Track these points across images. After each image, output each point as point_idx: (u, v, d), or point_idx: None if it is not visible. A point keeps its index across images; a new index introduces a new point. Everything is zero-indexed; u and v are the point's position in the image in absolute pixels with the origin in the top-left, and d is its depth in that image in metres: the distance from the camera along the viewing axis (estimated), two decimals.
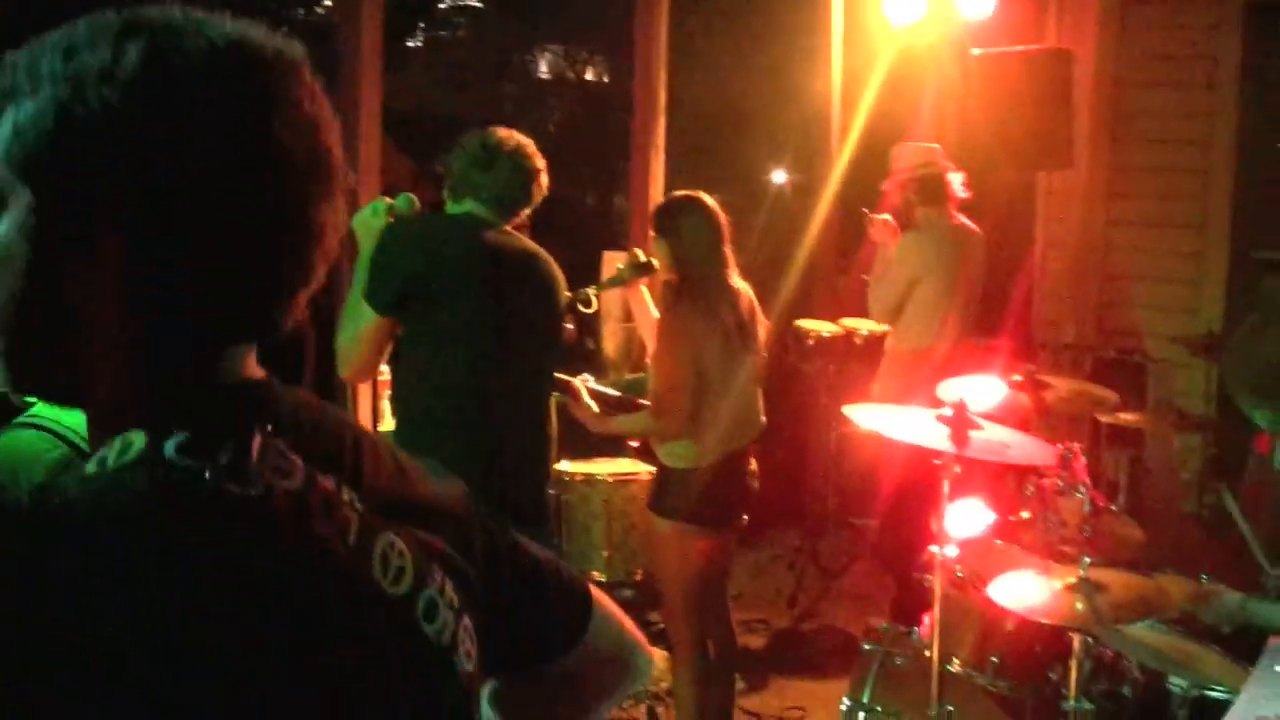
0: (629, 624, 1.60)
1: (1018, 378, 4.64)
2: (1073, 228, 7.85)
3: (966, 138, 7.33)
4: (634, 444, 5.48)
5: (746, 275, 4.78)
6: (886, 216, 6.14)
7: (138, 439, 1.07)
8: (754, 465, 4.77)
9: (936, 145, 6.19)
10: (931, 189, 6.01)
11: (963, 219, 6.09)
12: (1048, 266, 8.04)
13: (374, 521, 1.20)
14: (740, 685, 5.78)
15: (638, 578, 5.50)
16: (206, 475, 1.06)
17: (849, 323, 6.76)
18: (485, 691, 1.49)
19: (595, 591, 1.54)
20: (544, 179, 4.07)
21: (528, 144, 4.05)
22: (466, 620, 1.28)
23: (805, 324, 6.80)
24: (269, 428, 1.13)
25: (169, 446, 1.06)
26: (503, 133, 4.03)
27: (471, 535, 1.37)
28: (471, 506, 1.41)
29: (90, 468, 1.07)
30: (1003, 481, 4.76)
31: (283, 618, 1.07)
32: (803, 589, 6.99)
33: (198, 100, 1.07)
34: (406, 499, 1.29)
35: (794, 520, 7.60)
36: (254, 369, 1.21)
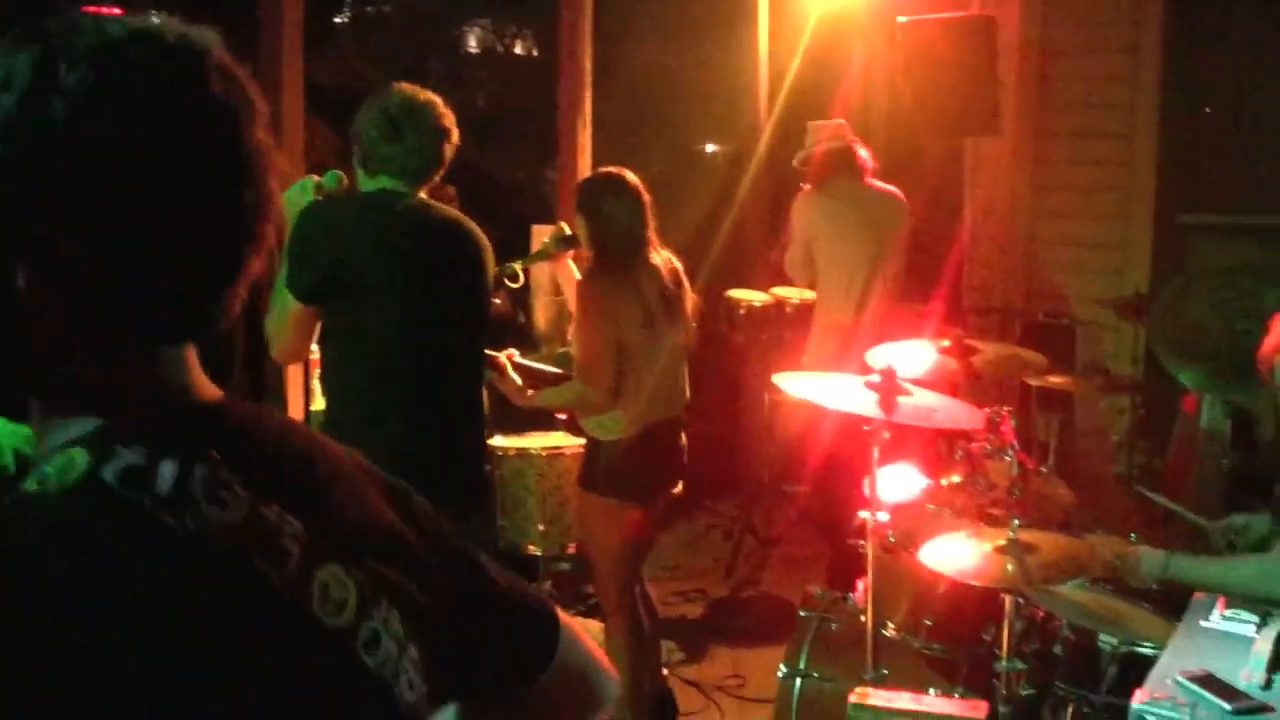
0: (596, 649, 1.58)
1: (946, 343, 4.67)
2: (1000, 193, 7.90)
3: (893, 106, 7.38)
4: (562, 417, 5.48)
5: (677, 247, 4.79)
6: None
7: (80, 459, 1.06)
8: (683, 438, 4.79)
9: (842, 120, 6.24)
10: (836, 162, 6.11)
11: (880, 184, 6.18)
12: (976, 232, 8.09)
13: (318, 552, 1.18)
14: (679, 655, 5.84)
15: (571, 550, 5.51)
16: (144, 506, 1.05)
17: (780, 292, 6.77)
18: (451, 713, 1.48)
19: (562, 615, 1.52)
20: (454, 134, 3.97)
21: (433, 103, 3.89)
22: (413, 651, 1.26)
23: (736, 294, 6.80)
24: (216, 455, 1.12)
25: (108, 472, 1.06)
26: (404, 95, 3.86)
27: (431, 561, 1.35)
28: (441, 529, 1.40)
29: (30, 484, 1.06)
30: (934, 446, 4.80)
31: (216, 654, 1.06)
32: (740, 557, 7.03)
33: (92, 97, 1.06)
34: (370, 528, 1.28)
35: (730, 490, 7.64)
36: (204, 383, 1.20)
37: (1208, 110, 8.05)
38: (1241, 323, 5.58)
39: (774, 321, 6.68)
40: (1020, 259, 7.93)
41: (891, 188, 6.20)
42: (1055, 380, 5.34)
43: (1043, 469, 4.76)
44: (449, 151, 3.95)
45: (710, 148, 11.31)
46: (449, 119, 3.94)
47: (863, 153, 6.16)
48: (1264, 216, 7.81)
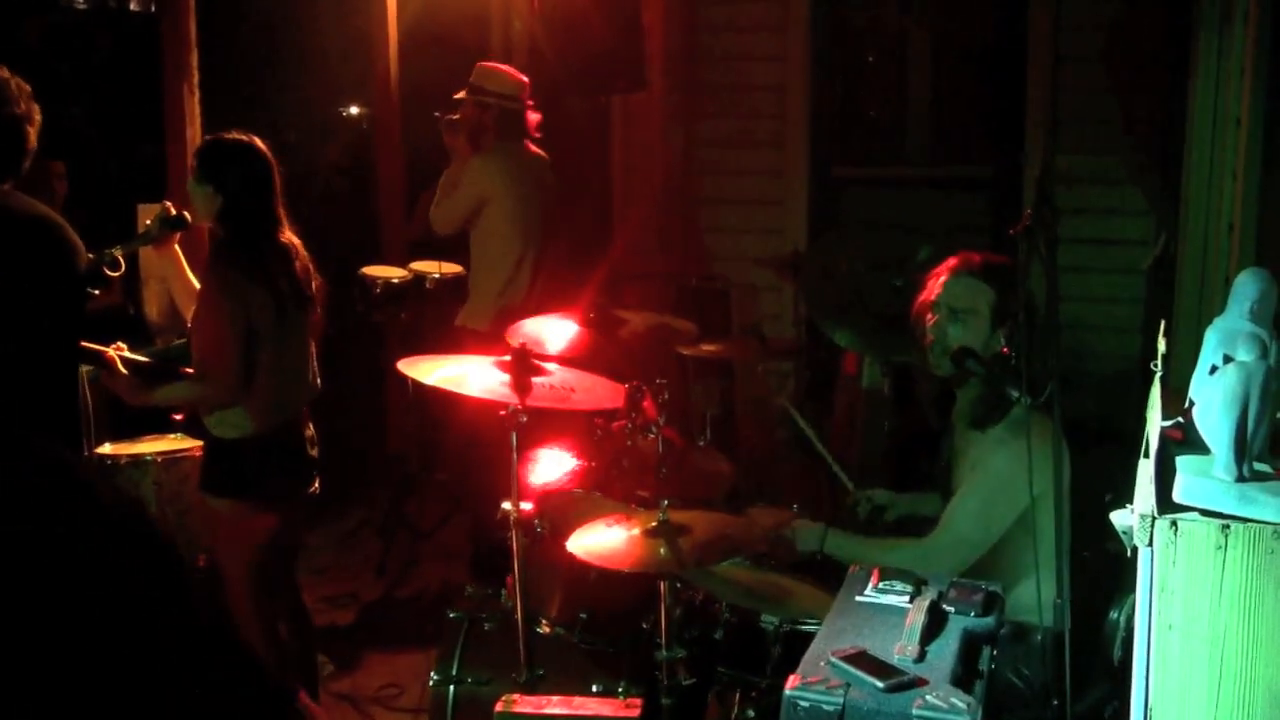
0: None
1: (591, 315, 4.65)
2: (652, 152, 7.98)
3: (535, 62, 7.32)
4: (178, 418, 5.24)
5: (311, 223, 4.64)
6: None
7: None
8: (311, 431, 4.64)
9: (525, 80, 6.23)
10: (512, 123, 6.20)
11: (534, 148, 6.23)
12: (629, 194, 8.15)
13: None
14: (328, 668, 5.67)
15: (200, 563, 5.28)
16: None
17: (419, 266, 6.65)
18: None
19: None
20: (37, 114, 3.76)
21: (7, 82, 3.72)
22: None
23: (372, 270, 6.65)
24: None
25: None
26: None
27: None
28: None
29: None
30: (587, 426, 4.76)
31: None
32: (392, 555, 6.88)
33: None
34: None
35: (380, 481, 7.47)
36: None
37: (870, 60, 8.31)
38: (895, 278, 5.77)
39: (414, 298, 6.56)
40: (674, 221, 8.02)
41: (540, 151, 6.28)
42: (708, 348, 5.39)
43: (700, 442, 4.80)
44: (32, 135, 3.73)
45: (353, 110, 11.06)
46: (23, 94, 3.72)
47: (532, 118, 6.29)
48: (917, 169, 8.14)
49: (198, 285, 4.57)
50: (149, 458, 5.14)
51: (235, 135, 4.47)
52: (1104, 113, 6.99)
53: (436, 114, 6.34)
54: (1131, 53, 6.88)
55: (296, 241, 4.52)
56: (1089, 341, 7.30)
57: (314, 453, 4.65)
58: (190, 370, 4.42)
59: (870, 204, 8.13)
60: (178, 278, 4.67)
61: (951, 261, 4.03)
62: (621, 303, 5.30)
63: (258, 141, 4.45)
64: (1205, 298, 5.01)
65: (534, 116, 6.27)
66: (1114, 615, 3.45)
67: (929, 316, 4.00)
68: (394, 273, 6.65)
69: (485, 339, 5.85)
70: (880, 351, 5.74)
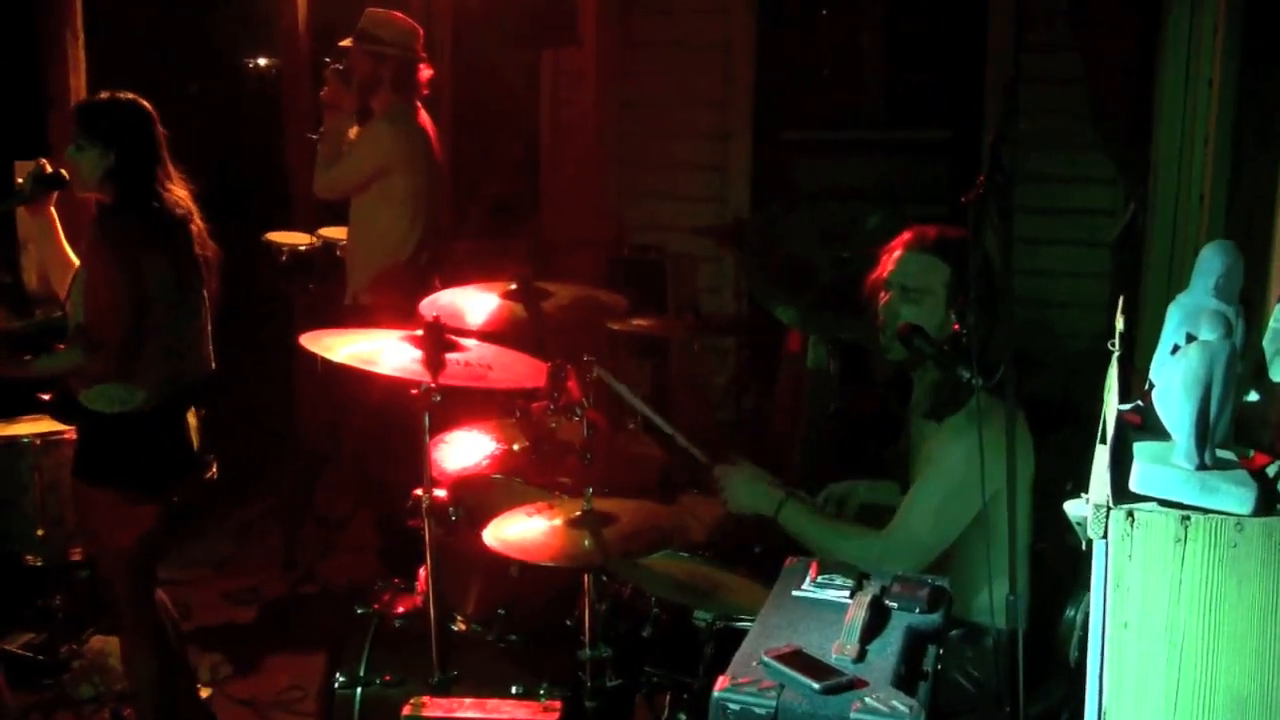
0: None
1: (513, 286, 4.61)
2: (584, 111, 7.94)
3: (459, 12, 7.28)
4: (45, 397, 5.15)
5: (214, 185, 4.60)
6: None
7: None
8: (198, 413, 4.58)
9: (420, 29, 6.15)
10: (407, 76, 6.10)
11: (424, 113, 6.22)
12: (558, 156, 8.10)
13: None
14: (227, 670, 5.63)
15: (79, 557, 5.21)
16: None
17: (328, 232, 6.58)
18: None
19: None
20: None
21: None
22: None
23: (277, 236, 6.57)
24: None
25: None
26: None
27: None
28: None
29: None
30: (506, 406, 4.73)
31: None
32: (299, 546, 6.83)
33: None
34: None
35: (286, 467, 7.41)
36: None
37: (824, 12, 8.28)
38: (843, 250, 5.77)
39: (323, 266, 6.50)
40: (606, 186, 7.99)
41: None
42: (641, 324, 5.36)
43: (629, 425, 4.77)
44: None
45: (260, 60, 10.94)
46: None
47: (424, 73, 6.19)
48: (870, 132, 8.12)
49: (74, 257, 4.50)
50: (26, 439, 5.07)
51: (122, 95, 4.42)
52: (1069, 73, 6.98)
53: (327, 59, 6.21)
54: (1099, 7, 6.89)
55: (190, 204, 4.47)
56: (1052, 318, 7.33)
57: (198, 437, 4.58)
58: (62, 346, 4.36)
59: (820, 170, 8.11)
60: (52, 245, 4.60)
61: (905, 236, 3.97)
62: (547, 274, 5.25)
63: (138, 98, 4.41)
64: (1175, 273, 5.02)
65: (427, 72, 6.16)
66: (1070, 613, 3.45)
67: (881, 295, 3.97)
68: (300, 239, 6.57)
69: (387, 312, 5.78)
70: (825, 330, 5.72)
